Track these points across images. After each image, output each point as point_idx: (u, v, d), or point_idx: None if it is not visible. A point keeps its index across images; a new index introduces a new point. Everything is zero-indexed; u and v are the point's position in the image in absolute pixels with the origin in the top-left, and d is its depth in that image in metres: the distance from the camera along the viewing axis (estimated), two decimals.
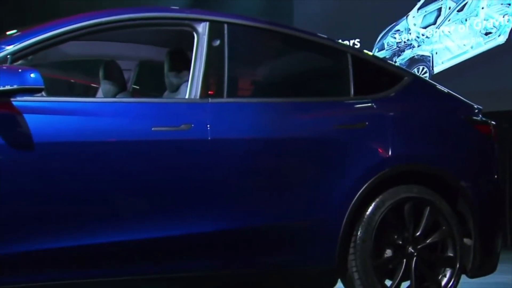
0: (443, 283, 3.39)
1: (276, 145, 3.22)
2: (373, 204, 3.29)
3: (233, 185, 3.09)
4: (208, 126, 3.05)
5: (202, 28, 3.18)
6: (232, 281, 3.22)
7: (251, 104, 3.28)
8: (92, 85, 4.52)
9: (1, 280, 2.71)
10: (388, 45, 9.24)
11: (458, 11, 8.77)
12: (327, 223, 3.20)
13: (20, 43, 2.88)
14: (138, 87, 4.14)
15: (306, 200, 3.20)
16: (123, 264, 2.91)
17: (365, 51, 3.88)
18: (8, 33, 3.06)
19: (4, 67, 2.75)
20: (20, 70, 2.73)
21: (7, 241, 2.71)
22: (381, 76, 3.59)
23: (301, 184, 3.23)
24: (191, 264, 3.02)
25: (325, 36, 3.60)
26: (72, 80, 4.62)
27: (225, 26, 3.23)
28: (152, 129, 2.96)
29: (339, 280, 3.42)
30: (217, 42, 3.19)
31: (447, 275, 3.40)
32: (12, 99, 2.76)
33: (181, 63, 3.43)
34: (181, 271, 3.01)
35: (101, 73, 3.77)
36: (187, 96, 3.13)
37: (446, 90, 3.79)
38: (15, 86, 2.69)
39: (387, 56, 8.96)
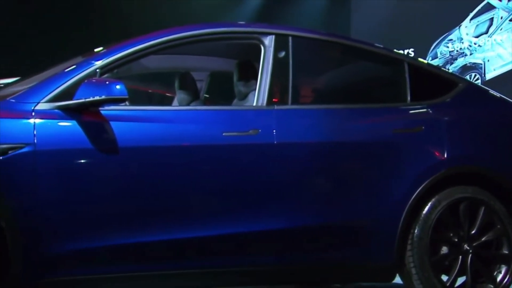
0: (498, 279, 3.31)
1: (337, 149, 3.22)
2: (429, 204, 3.26)
3: (298, 186, 3.11)
4: (274, 131, 3.08)
5: (269, 41, 3.23)
6: (298, 276, 3.24)
7: (314, 110, 3.30)
8: (168, 94, 4.65)
9: (95, 269, 2.82)
10: (441, 54, 9.06)
11: (510, 20, 8.52)
12: (387, 222, 3.19)
13: (107, 58, 3.00)
14: (209, 96, 4.22)
15: (367, 200, 3.20)
16: (195, 258, 2.97)
17: (420, 59, 3.84)
18: (95, 50, 3.18)
19: (94, 80, 2.85)
20: (107, 82, 2.82)
21: (96, 236, 2.81)
22: (436, 82, 3.55)
23: (362, 185, 3.23)
24: (259, 259, 3.05)
25: (382, 46, 3.59)
26: (150, 90, 4.75)
27: (290, 38, 3.27)
28: (223, 134, 3.02)
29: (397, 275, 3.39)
30: (282, 54, 3.24)
31: (502, 272, 3.33)
32: (100, 108, 2.87)
33: (249, 73, 3.48)
34: (250, 265, 3.05)
35: (176, 84, 3.88)
36: (254, 104, 3.18)
37: (498, 95, 3.71)
38: (103, 97, 2.79)
39: (440, 64, 8.79)
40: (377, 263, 3.24)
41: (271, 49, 3.22)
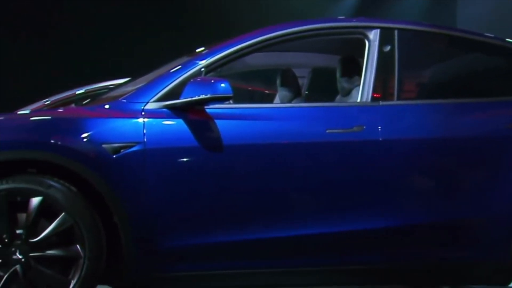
0: None
1: (446, 145, 3.12)
2: None
3: (405, 184, 3.04)
4: (379, 127, 3.03)
5: (373, 35, 3.18)
6: (404, 277, 3.17)
7: (421, 105, 3.21)
8: (266, 91, 4.68)
9: (203, 266, 2.90)
10: None
11: None
12: (501, 220, 3.04)
13: (211, 58, 3.06)
14: (311, 93, 4.21)
15: (479, 198, 3.07)
16: (300, 256, 2.98)
17: None
18: (197, 50, 3.26)
19: (199, 79, 2.93)
20: (212, 81, 2.89)
21: (203, 232, 2.89)
22: None
23: (473, 182, 3.11)
24: (364, 257, 3.02)
25: (494, 36, 3.41)
26: (250, 88, 4.81)
27: (395, 32, 3.19)
28: (327, 131, 3.00)
29: None
30: (388, 48, 3.17)
31: None
32: (205, 107, 2.94)
33: (353, 69, 3.44)
34: (353, 264, 3.02)
35: (278, 81, 3.90)
36: (358, 100, 3.14)
37: None
38: (208, 95, 2.86)
39: None
40: (490, 263, 3.10)
41: (376, 43, 3.16)
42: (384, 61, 3.15)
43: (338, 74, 3.51)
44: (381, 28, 3.19)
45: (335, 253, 2.99)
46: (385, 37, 3.17)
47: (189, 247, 2.86)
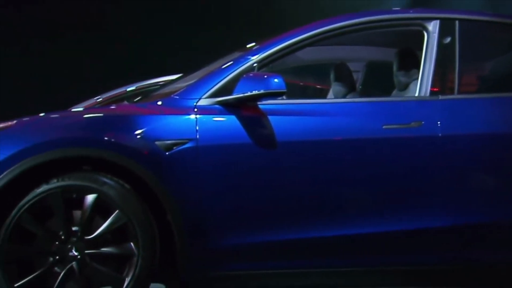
0: None
1: (509, 140, 2.98)
2: None
3: (465, 182, 2.94)
4: (439, 122, 2.93)
5: (433, 26, 3.07)
6: (465, 278, 3.06)
7: (483, 99, 3.09)
8: (318, 86, 4.61)
9: (256, 265, 2.87)
10: None
11: None
12: None
13: (264, 53, 3.02)
14: (366, 87, 4.12)
15: None
16: (355, 256, 2.92)
17: None
18: (248, 46, 3.22)
19: (251, 75, 2.89)
20: (265, 76, 2.85)
21: (257, 230, 2.85)
22: None
23: None
24: (421, 258, 2.94)
25: None
26: (302, 83, 4.75)
27: (456, 22, 3.08)
28: (383, 127, 2.92)
29: None
30: (448, 39, 3.07)
31: None
32: (258, 103, 2.90)
33: (410, 62, 3.35)
34: (410, 264, 2.94)
35: (332, 75, 3.83)
36: (416, 94, 3.04)
37: None
38: (261, 91, 2.82)
39: None
40: None
41: (436, 35, 3.06)
42: (443, 53, 3.04)
43: (394, 68, 3.42)
44: (441, 19, 3.09)
45: (391, 253, 2.92)
46: (445, 28, 3.07)
47: (243, 246, 2.83)
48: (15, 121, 2.86)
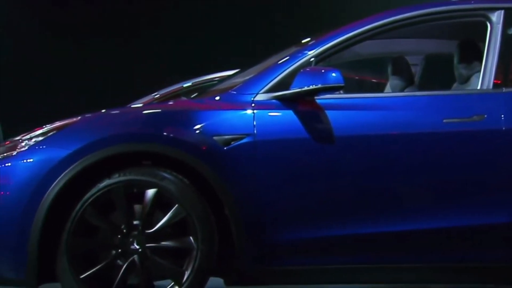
0: None
1: None
2: None
3: None
4: (502, 116, 2.85)
5: (497, 17, 2.99)
6: None
7: None
8: (374, 80, 4.55)
9: (314, 260, 2.86)
10: None
11: None
12: None
13: (321, 47, 3.00)
14: (425, 81, 4.04)
15: None
16: (417, 251, 2.87)
17: None
18: (303, 41, 3.21)
19: (308, 69, 2.88)
20: (323, 71, 2.84)
21: (314, 225, 2.84)
22: None
23: None
24: (483, 255, 2.86)
25: None
26: (358, 77, 4.70)
27: None
28: (444, 121, 2.87)
29: None
30: None
31: None
32: (315, 97, 2.89)
33: (472, 54, 3.27)
34: (472, 261, 2.87)
35: (389, 69, 3.78)
36: (478, 87, 2.97)
37: None
38: (318, 85, 2.81)
39: None
40: None
41: (500, 26, 2.97)
42: (508, 45, 2.96)
43: (455, 60, 3.34)
44: (506, 9, 3.00)
45: (449, 249, 2.86)
46: (510, 19, 2.98)
47: (300, 241, 2.83)
48: (79, 118, 2.94)
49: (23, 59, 8.15)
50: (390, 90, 3.78)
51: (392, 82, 3.74)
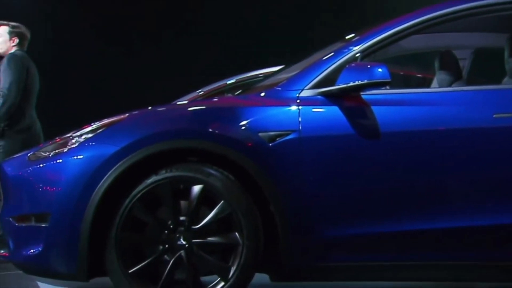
0: None
1: None
2: None
3: None
4: None
5: None
6: None
7: None
8: (419, 75, 4.47)
9: (360, 257, 2.84)
10: None
11: None
12: None
13: (367, 42, 2.97)
14: (473, 76, 3.95)
15: None
16: (465, 248, 2.82)
17: None
18: (346, 37, 3.17)
19: (353, 65, 2.85)
20: (369, 66, 2.80)
21: (360, 222, 2.81)
22: None
23: None
24: None
25: None
26: (403, 73, 4.63)
27: None
28: (494, 116, 2.80)
29: None
30: None
31: None
32: (361, 93, 2.86)
33: None
34: None
35: (436, 64, 3.70)
36: None
37: None
38: (365, 81, 2.78)
39: None
40: None
41: None
42: None
43: (506, 54, 3.25)
44: None
45: (499, 247, 2.79)
46: None
47: (346, 237, 2.80)
48: (126, 115, 2.98)
49: (70, 61, 8.33)
50: (437, 85, 3.71)
51: (439, 77, 3.66)
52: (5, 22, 5.01)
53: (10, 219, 2.93)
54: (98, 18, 8.54)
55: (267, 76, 3.70)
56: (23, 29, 5.04)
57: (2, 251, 3.11)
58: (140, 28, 8.60)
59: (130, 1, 8.65)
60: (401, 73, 4.60)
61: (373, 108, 2.84)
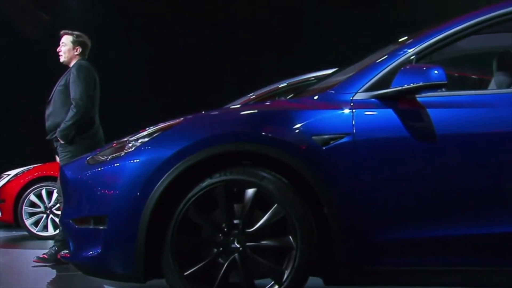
0: None
1: None
2: None
3: None
4: None
5: None
6: None
7: None
8: (474, 77, 4.35)
9: (413, 260, 2.79)
10: None
11: None
12: None
13: (422, 44, 2.91)
14: None
15: None
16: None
17: None
18: (400, 40, 3.12)
19: (408, 67, 2.80)
20: (425, 68, 2.75)
21: (415, 225, 2.76)
22: None
23: None
24: None
25: None
26: (458, 74, 4.52)
27: None
28: None
29: None
30: None
31: None
32: (417, 96, 2.81)
33: None
34: None
35: (494, 65, 3.60)
36: None
37: None
38: (420, 83, 2.73)
39: None
40: None
41: None
42: None
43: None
44: None
45: None
46: None
47: (400, 241, 2.76)
48: (181, 119, 3.02)
49: (123, 66, 8.51)
50: (495, 87, 3.60)
51: (498, 78, 3.56)
52: (69, 32, 5.15)
53: (70, 221, 3.00)
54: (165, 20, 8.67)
55: (320, 79, 3.67)
56: (85, 38, 5.18)
57: (63, 252, 3.19)
58: (192, 29, 8.69)
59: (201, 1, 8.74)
60: (457, 74, 4.49)
61: (429, 110, 2.79)
